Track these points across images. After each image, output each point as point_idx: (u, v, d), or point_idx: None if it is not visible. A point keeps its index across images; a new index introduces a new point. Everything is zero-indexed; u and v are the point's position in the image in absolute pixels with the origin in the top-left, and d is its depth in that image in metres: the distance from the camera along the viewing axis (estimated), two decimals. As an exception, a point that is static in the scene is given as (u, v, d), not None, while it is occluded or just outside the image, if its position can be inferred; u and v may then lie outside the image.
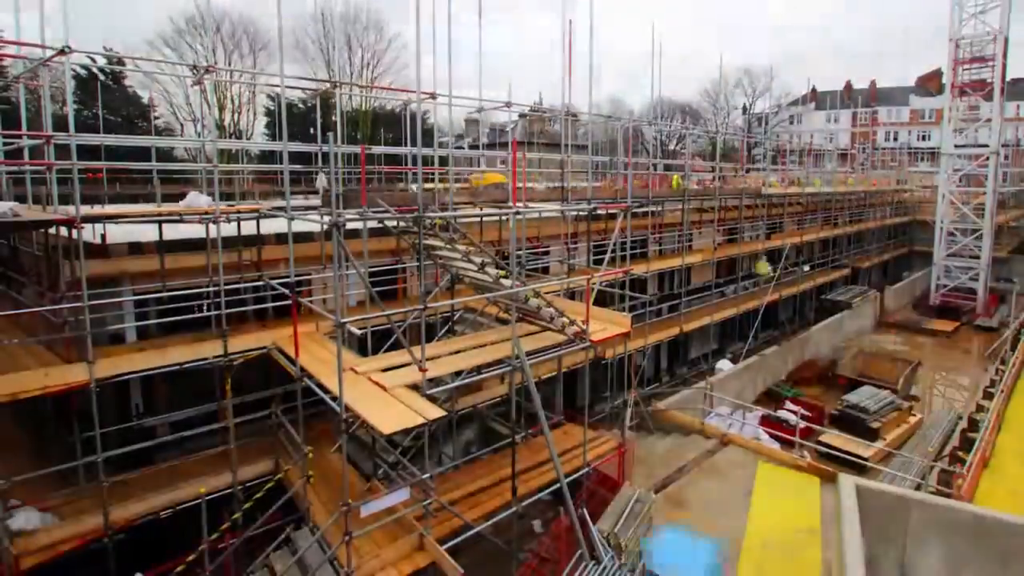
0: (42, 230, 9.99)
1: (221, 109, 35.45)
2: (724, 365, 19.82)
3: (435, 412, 7.33)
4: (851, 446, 14.73)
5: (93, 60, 16.53)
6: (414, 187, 9.23)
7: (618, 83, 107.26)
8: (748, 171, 29.36)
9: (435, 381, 8.26)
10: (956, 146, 31.95)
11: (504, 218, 12.13)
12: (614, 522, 9.84)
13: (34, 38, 8.54)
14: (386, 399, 7.67)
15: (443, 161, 13.02)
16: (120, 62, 21.36)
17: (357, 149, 14.40)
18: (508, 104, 16.43)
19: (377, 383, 8.06)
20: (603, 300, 13.18)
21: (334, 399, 7.68)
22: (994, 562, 8.22)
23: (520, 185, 13.20)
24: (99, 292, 9.19)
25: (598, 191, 18.99)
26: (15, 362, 8.40)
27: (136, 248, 10.43)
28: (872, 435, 15.77)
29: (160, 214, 9.59)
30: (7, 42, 11.65)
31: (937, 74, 64.33)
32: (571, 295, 14.47)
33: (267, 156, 25.59)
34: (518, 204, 9.74)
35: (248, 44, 37.69)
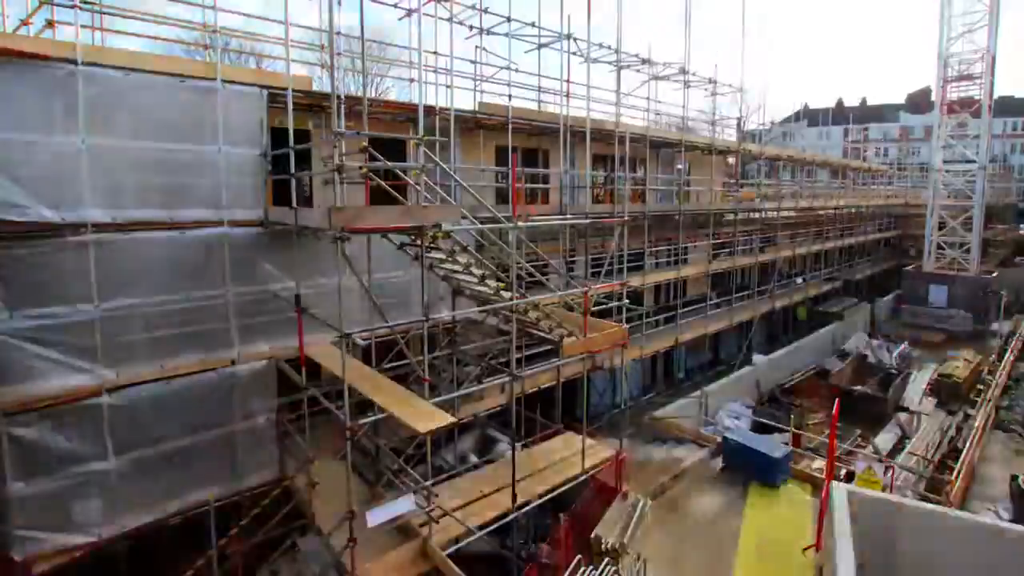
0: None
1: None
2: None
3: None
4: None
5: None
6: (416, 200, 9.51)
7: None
8: (742, 186, 29.75)
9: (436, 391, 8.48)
10: (944, 162, 32.62)
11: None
12: (611, 528, 10.05)
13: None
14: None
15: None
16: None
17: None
18: (507, 118, 16.78)
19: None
20: (601, 312, 13.44)
21: (339, 408, 7.93)
22: (983, 567, 8.43)
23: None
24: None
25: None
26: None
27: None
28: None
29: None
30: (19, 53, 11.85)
31: (926, 92, 65.52)
32: (569, 308, 14.73)
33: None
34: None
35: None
